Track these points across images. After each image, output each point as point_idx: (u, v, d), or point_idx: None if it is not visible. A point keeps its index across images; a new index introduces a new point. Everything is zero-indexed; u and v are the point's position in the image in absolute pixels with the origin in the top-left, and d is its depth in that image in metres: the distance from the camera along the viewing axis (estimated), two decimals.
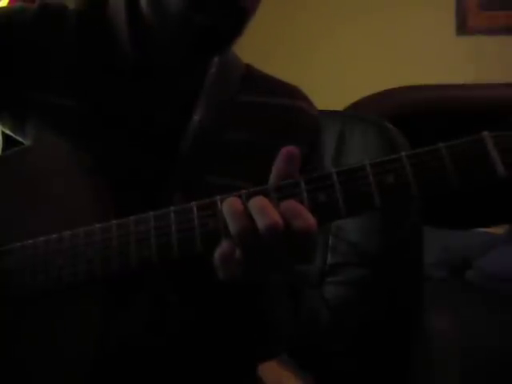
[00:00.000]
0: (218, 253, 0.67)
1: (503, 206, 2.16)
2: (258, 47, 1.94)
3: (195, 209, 0.69)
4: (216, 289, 0.81)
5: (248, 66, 0.96)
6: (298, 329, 0.91)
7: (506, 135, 0.63)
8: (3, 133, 0.88)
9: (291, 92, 0.95)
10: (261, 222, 0.64)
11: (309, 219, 0.64)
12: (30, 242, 0.75)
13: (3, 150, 0.88)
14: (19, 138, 0.86)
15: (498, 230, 2.39)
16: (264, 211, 0.64)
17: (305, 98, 0.95)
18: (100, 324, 0.74)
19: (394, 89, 2.46)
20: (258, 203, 0.65)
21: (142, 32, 0.84)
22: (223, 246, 0.66)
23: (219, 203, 0.69)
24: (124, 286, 0.76)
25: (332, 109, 1.49)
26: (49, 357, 0.74)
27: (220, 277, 0.69)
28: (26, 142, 0.85)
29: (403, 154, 0.65)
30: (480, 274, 2.13)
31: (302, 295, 0.89)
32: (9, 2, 1.77)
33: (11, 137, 0.87)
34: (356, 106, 2.38)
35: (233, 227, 0.65)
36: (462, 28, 2.60)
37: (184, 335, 0.84)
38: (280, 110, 0.92)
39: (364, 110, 2.33)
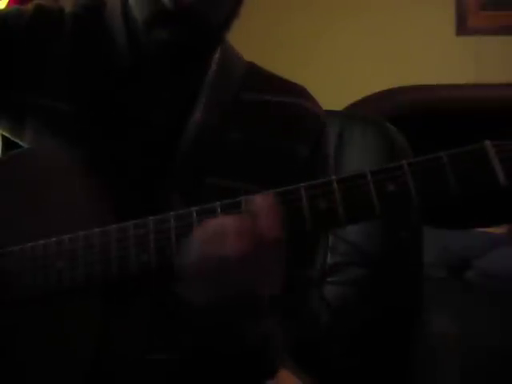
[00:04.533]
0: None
1: (503, 206, 2.16)
2: (256, 46, 1.93)
3: (195, 214, 0.69)
4: None
5: (250, 64, 0.95)
6: (298, 330, 0.91)
7: (507, 144, 0.63)
8: (2, 136, 0.88)
9: (294, 90, 0.94)
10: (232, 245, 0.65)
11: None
12: (29, 244, 0.75)
13: (2, 152, 0.88)
14: (17, 141, 0.86)
15: (498, 230, 2.39)
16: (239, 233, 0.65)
17: (308, 97, 0.94)
18: (99, 325, 0.74)
19: (394, 89, 2.46)
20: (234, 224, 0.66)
21: (139, 34, 0.84)
22: None
23: (219, 209, 0.69)
24: (125, 287, 0.76)
25: (332, 109, 1.49)
26: (47, 358, 0.74)
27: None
28: (24, 145, 0.85)
29: (404, 162, 0.65)
30: (480, 274, 2.13)
31: (301, 303, 0.88)
32: (8, 3, 1.77)
33: (10, 139, 0.87)
34: (356, 105, 2.38)
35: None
36: (462, 28, 2.60)
37: (185, 337, 0.84)
38: (283, 108, 0.91)
39: (364, 110, 2.33)
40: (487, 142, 0.63)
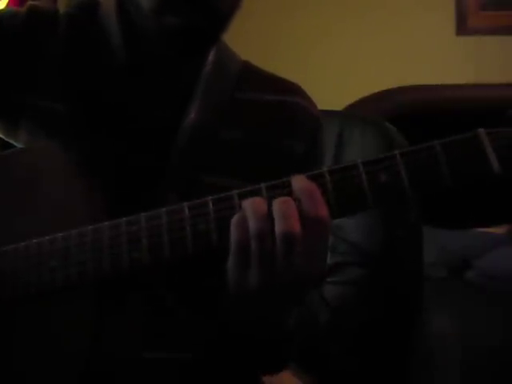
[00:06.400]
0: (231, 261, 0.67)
1: (503, 206, 2.16)
2: (256, 46, 1.93)
3: (186, 209, 0.69)
4: (213, 291, 0.80)
5: (246, 63, 0.96)
6: (298, 329, 0.91)
7: (501, 132, 0.62)
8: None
9: (290, 89, 0.94)
10: (280, 227, 0.64)
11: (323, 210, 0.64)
12: (22, 244, 0.75)
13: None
14: (12, 142, 0.86)
15: (498, 230, 2.39)
16: (286, 216, 0.64)
17: (304, 95, 0.94)
18: (94, 324, 0.74)
19: (394, 89, 2.46)
20: (281, 206, 0.65)
21: (135, 32, 0.84)
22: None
23: (211, 203, 0.69)
24: (119, 284, 0.76)
25: (331, 109, 1.49)
26: (41, 357, 0.74)
27: (231, 290, 0.69)
28: (19, 146, 0.85)
29: (396, 152, 0.64)
30: (480, 274, 2.13)
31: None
32: (8, 4, 1.77)
33: (5, 140, 0.87)
34: (355, 106, 2.38)
35: (253, 226, 0.65)
36: (462, 28, 2.60)
37: (180, 335, 0.84)
38: (278, 107, 0.91)
39: (363, 110, 2.34)
40: (481, 130, 0.63)
